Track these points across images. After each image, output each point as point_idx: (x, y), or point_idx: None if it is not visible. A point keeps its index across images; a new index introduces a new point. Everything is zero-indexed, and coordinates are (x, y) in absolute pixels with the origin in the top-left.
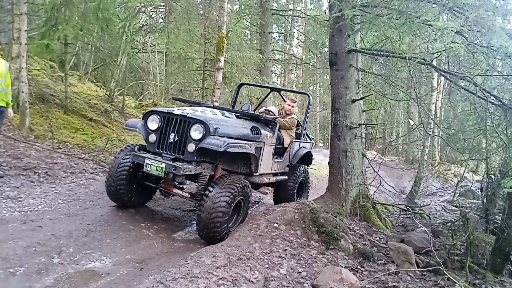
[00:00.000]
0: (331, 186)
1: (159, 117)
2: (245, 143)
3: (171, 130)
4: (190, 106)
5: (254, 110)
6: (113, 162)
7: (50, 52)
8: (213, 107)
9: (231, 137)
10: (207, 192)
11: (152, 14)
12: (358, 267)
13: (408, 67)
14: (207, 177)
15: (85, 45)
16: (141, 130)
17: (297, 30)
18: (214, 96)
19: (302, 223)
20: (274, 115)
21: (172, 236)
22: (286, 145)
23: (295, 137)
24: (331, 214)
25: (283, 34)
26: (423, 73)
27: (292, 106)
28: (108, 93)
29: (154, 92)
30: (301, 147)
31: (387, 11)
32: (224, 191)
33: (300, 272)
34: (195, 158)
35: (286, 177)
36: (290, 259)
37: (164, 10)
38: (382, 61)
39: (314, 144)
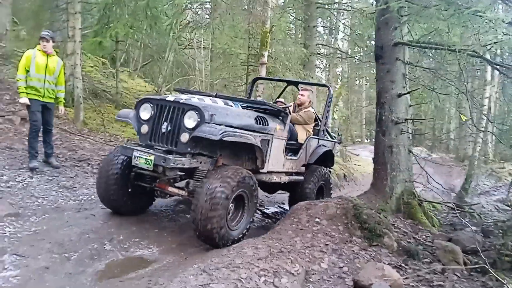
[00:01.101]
0: (375, 182)
1: (151, 105)
2: (248, 134)
3: (163, 119)
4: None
5: None
6: (104, 161)
7: (103, 49)
8: (216, 96)
9: (231, 126)
10: (199, 185)
11: (198, 10)
12: (402, 264)
13: (458, 60)
14: (205, 173)
15: (135, 42)
16: (133, 120)
17: (343, 23)
18: (258, 91)
19: (344, 218)
20: (285, 105)
21: None
22: (301, 141)
23: (312, 133)
24: (375, 211)
25: (328, 27)
26: (474, 66)
27: (302, 95)
28: (156, 88)
29: (200, 88)
30: (320, 145)
31: (435, 1)
32: (219, 183)
33: (342, 267)
34: (189, 149)
35: (302, 177)
36: (332, 254)
37: (210, 7)
38: (431, 54)
39: (337, 143)
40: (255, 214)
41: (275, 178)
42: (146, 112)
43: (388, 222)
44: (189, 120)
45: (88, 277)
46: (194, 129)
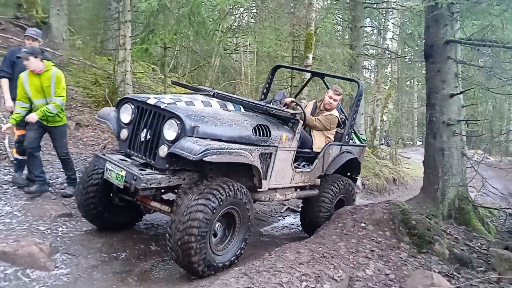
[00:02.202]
0: (426, 186)
1: (132, 106)
2: (241, 148)
3: (143, 125)
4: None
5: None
6: (84, 170)
7: (149, 55)
8: (213, 95)
9: (220, 139)
10: (177, 201)
11: (242, 15)
12: (454, 273)
13: None
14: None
15: (183, 48)
16: (112, 122)
17: (392, 22)
18: (302, 93)
19: (391, 224)
20: (300, 108)
21: (259, 231)
22: (318, 150)
23: (333, 139)
24: (425, 216)
25: (376, 27)
26: None
27: (335, 100)
28: None
29: (245, 93)
30: (342, 152)
31: None
32: (201, 198)
33: (388, 274)
34: (167, 165)
35: (315, 192)
36: (378, 260)
37: (253, 11)
38: (485, 52)
39: (365, 147)
40: (249, 235)
41: (278, 197)
42: (126, 114)
43: (439, 228)
44: (169, 131)
45: (135, 277)
46: (174, 142)
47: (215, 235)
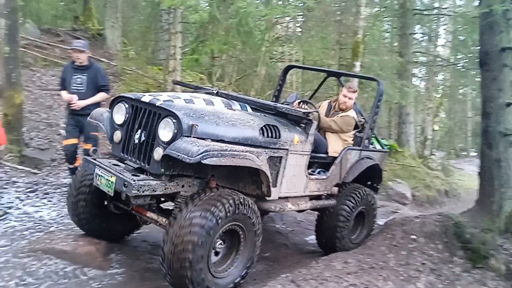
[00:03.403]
0: (481, 199)
1: (126, 106)
2: (246, 151)
3: (137, 126)
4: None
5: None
6: (74, 176)
7: (199, 65)
8: (217, 93)
9: (222, 140)
10: (173, 214)
11: (288, 24)
12: None
13: None
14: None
15: (229, 57)
16: (105, 124)
17: (444, 29)
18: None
19: (444, 236)
20: (311, 108)
21: (304, 239)
22: (334, 154)
23: (351, 142)
24: (480, 230)
25: (426, 34)
26: None
27: (350, 98)
28: None
29: None
30: (362, 157)
31: None
32: (200, 212)
33: None
34: (163, 170)
35: (333, 201)
36: (429, 273)
37: (301, 19)
38: None
39: (388, 153)
40: (256, 255)
41: (290, 206)
42: (120, 114)
43: (495, 243)
44: (164, 131)
45: None
46: (170, 143)
47: (217, 254)
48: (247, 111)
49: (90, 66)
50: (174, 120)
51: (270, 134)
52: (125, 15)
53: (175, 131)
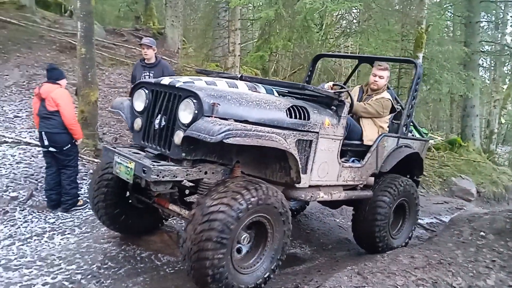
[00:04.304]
0: None
1: (146, 91)
2: (272, 132)
3: (157, 111)
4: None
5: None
6: (96, 167)
7: (263, 61)
8: (241, 77)
9: (246, 121)
10: (194, 205)
11: (350, 17)
12: None
13: None
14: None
15: (284, 52)
16: (126, 112)
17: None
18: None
19: None
20: (346, 92)
21: None
22: (369, 142)
23: (387, 129)
24: None
25: (493, 22)
26: None
27: (381, 77)
28: None
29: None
30: (400, 145)
31: None
32: (222, 204)
33: None
34: (184, 154)
35: (369, 193)
36: (499, 270)
37: (361, 10)
38: None
39: (428, 143)
40: (287, 245)
41: (322, 195)
42: (140, 101)
43: None
44: (184, 113)
45: None
46: (190, 125)
47: (240, 250)
48: (274, 95)
49: (157, 63)
50: (194, 101)
51: (298, 116)
52: (184, 13)
53: (196, 111)
